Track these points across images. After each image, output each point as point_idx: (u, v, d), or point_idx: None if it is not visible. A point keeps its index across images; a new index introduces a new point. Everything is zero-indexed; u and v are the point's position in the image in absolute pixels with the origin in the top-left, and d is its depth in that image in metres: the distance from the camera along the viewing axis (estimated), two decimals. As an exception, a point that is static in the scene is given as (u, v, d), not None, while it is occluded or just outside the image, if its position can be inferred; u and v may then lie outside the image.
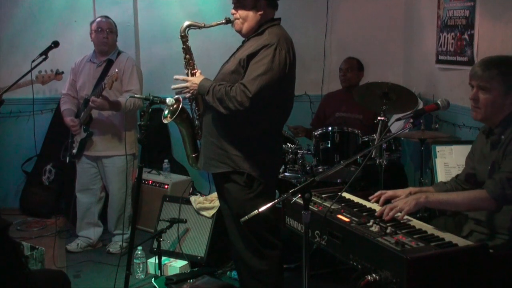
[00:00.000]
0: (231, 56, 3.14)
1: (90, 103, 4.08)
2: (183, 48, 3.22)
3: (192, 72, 3.18)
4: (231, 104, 2.85)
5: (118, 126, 4.29)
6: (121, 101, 4.10)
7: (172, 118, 3.23)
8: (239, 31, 3.09)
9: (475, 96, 2.56)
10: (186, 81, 3.12)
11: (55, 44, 4.36)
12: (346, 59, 4.93)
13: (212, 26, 3.15)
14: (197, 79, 3.08)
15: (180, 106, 3.21)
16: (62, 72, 4.58)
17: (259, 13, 3.01)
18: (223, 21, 3.12)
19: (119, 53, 4.37)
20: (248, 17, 3.02)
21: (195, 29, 3.18)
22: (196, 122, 3.28)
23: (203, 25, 3.16)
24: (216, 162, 3.04)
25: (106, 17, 4.40)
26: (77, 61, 4.47)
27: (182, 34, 3.20)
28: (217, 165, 3.04)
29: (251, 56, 2.91)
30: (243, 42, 3.13)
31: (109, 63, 4.29)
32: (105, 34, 4.28)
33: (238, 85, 2.86)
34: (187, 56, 3.21)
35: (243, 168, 2.99)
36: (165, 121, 3.29)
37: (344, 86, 4.86)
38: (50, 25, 5.22)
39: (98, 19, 4.38)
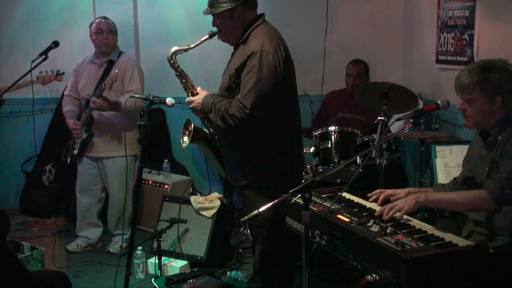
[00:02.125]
0: (226, 67, 3.14)
1: (90, 104, 4.08)
2: (176, 74, 3.23)
3: (194, 93, 3.18)
4: (232, 121, 2.89)
5: (119, 127, 4.28)
6: (121, 102, 4.10)
7: (190, 141, 3.25)
8: (226, 42, 3.10)
9: (461, 107, 2.58)
10: (191, 102, 3.15)
11: (55, 44, 4.36)
12: (354, 64, 4.85)
13: (197, 45, 3.15)
14: (200, 97, 3.12)
15: (192, 127, 3.24)
16: (63, 73, 4.57)
17: (239, 20, 2.99)
18: (207, 36, 3.11)
19: (120, 53, 4.36)
20: (230, 28, 3.02)
21: (181, 53, 3.19)
22: (213, 134, 3.26)
23: (188, 46, 3.16)
24: (235, 175, 3.12)
25: (105, 17, 4.39)
26: (78, 62, 4.46)
27: (171, 61, 3.21)
28: (237, 177, 3.11)
29: (239, 69, 2.92)
30: (235, 49, 3.11)
31: (111, 64, 4.28)
32: (106, 35, 4.27)
33: (236, 101, 2.88)
34: (183, 80, 3.23)
35: (258, 181, 3.04)
36: (184, 145, 3.32)
37: (351, 92, 4.75)
38: (50, 25, 5.22)
39: (97, 20, 4.36)
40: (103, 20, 4.34)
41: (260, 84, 2.85)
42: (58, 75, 4.55)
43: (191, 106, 3.15)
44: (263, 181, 3.03)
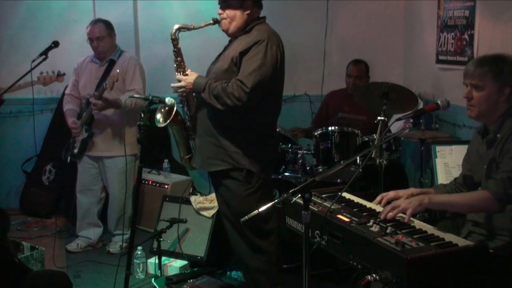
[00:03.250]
0: (218, 56, 3.17)
1: (91, 106, 4.08)
2: (174, 51, 3.24)
3: (184, 74, 3.19)
4: (229, 100, 2.89)
5: (119, 126, 4.28)
6: (122, 100, 4.10)
7: (167, 122, 3.24)
8: (226, 31, 3.12)
9: (468, 94, 2.57)
10: (180, 81, 3.14)
11: (55, 44, 4.36)
12: (354, 65, 4.85)
13: (201, 27, 3.19)
14: (191, 77, 3.11)
15: (175, 109, 3.23)
16: (64, 74, 4.58)
17: (246, 12, 3.04)
18: (211, 21, 3.15)
19: (121, 52, 4.34)
20: (235, 17, 3.05)
21: (185, 31, 3.21)
22: (188, 123, 3.28)
23: (192, 26, 3.20)
24: (215, 160, 3.07)
25: (97, 21, 4.31)
26: (79, 61, 4.46)
27: (173, 37, 3.23)
28: (217, 163, 3.07)
29: (243, 53, 2.94)
30: (230, 42, 3.15)
31: (112, 63, 4.28)
32: (96, 44, 4.24)
33: (235, 81, 2.89)
34: (179, 58, 3.23)
35: (242, 164, 3.02)
36: (160, 125, 3.30)
37: (352, 93, 4.71)
38: (50, 25, 5.22)
39: (89, 26, 4.28)
40: (95, 26, 4.26)
41: (263, 69, 2.90)
42: (59, 76, 4.55)
43: (178, 85, 3.13)
44: (249, 166, 3.01)
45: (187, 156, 3.33)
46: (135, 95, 3.92)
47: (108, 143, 4.30)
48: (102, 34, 4.26)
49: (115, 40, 4.36)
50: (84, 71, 4.37)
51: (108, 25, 4.32)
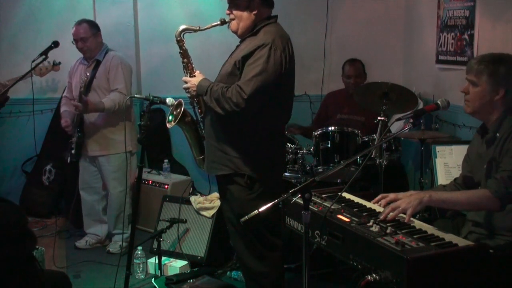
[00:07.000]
0: (229, 57, 3.14)
1: (74, 108, 4.12)
2: (180, 52, 3.24)
3: (192, 75, 3.18)
4: (227, 105, 2.86)
5: (110, 126, 4.30)
6: (104, 103, 4.13)
7: (175, 122, 3.24)
8: (235, 32, 3.08)
9: (465, 89, 2.61)
10: (186, 82, 3.14)
11: (55, 44, 4.38)
12: (351, 64, 4.82)
13: (207, 28, 3.17)
14: (196, 79, 3.10)
15: (182, 109, 3.23)
16: (59, 63, 4.60)
17: (253, 12, 3.00)
18: (218, 22, 3.12)
19: (107, 51, 4.34)
20: (242, 17, 3.01)
21: (191, 32, 3.20)
22: (201, 124, 3.28)
23: (198, 28, 3.18)
24: (217, 164, 3.06)
25: (81, 22, 4.29)
26: (72, 64, 4.50)
27: (178, 38, 3.22)
28: (219, 167, 3.05)
29: (246, 57, 2.91)
30: (240, 43, 3.13)
31: (98, 63, 4.30)
32: (81, 45, 4.25)
33: (235, 86, 2.86)
34: (185, 60, 3.23)
35: (243, 170, 2.99)
36: (169, 126, 3.32)
37: (353, 92, 4.65)
38: (50, 25, 5.22)
39: (73, 28, 4.28)
40: (79, 26, 4.26)
41: (264, 75, 2.84)
42: (55, 65, 4.60)
43: (185, 86, 3.14)
44: (251, 172, 2.98)
45: (201, 157, 3.32)
46: (136, 95, 3.94)
47: (100, 143, 4.33)
48: (87, 34, 4.25)
49: (100, 39, 4.35)
50: (75, 73, 4.41)
51: (92, 25, 4.32)
